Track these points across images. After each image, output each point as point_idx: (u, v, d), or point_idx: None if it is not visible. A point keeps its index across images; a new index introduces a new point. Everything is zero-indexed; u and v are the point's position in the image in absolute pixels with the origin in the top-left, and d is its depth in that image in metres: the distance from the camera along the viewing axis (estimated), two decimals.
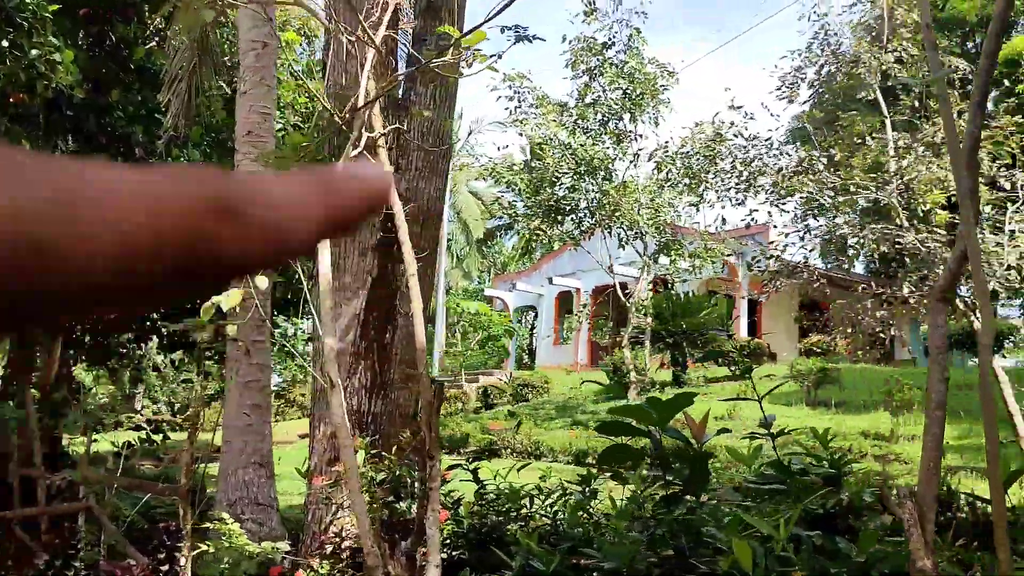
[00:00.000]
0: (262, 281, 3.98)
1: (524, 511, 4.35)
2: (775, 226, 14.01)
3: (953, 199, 12.37)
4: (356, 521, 3.31)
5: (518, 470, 4.94)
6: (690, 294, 21.58)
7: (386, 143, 4.16)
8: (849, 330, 13.41)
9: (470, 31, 3.14)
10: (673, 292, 20.74)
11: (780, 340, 28.50)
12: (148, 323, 11.56)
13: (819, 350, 19.76)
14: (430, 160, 5.71)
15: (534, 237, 18.03)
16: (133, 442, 9.76)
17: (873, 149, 13.63)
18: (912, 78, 11.80)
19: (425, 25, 5.80)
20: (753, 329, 28.79)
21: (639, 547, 3.07)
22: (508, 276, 35.45)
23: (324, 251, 3.48)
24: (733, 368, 22.18)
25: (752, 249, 23.18)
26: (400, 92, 5.92)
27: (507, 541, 4.52)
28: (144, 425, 10.16)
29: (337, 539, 4.96)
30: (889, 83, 13.69)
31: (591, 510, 4.40)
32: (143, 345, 11.37)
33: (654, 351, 18.94)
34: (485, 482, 4.91)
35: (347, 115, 3.60)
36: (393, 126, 4.31)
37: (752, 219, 12.12)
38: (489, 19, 3.06)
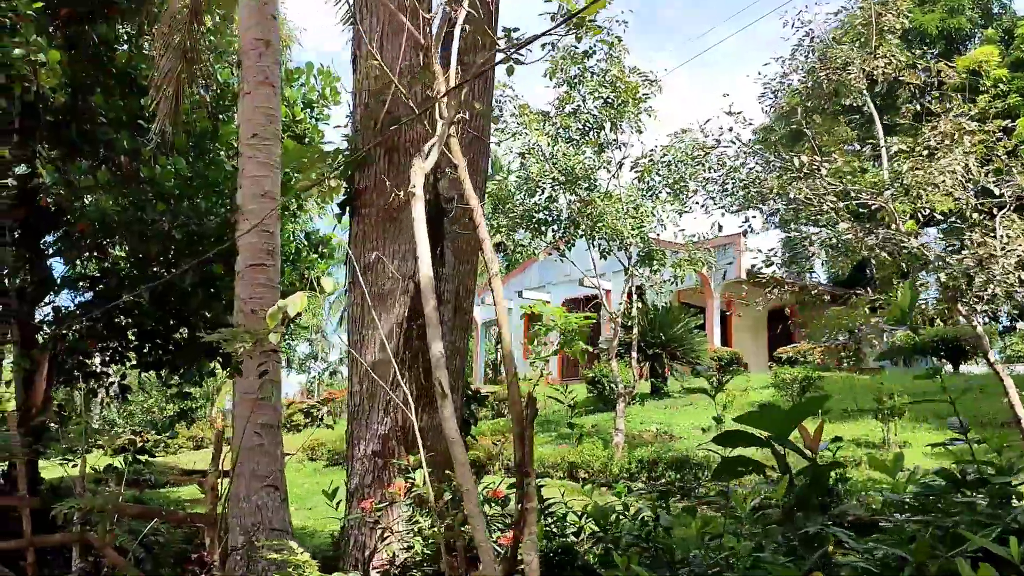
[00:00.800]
0: (328, 283, 3.59)
1: (611, 532, 3.99)
2: (756, 232, 13.89)
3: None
4: (479, 550, 2.94)
5: (587, 486, 4.59)
6: (667, 305, 21.47)
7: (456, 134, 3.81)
8: (842, 337, 13.31)
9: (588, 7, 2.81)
10: (651, 303, 20.60)
11: (749, 350, 28.61)
12: (123, 342, 10.97)
13: (803, 358, 19.75)
14: (470, 157, 5.36)
15: (518, 249, 17.65)
16: (117, 465, 9.19)
17: (864, 154, 13.63)
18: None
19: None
20: (724, 339, 28.84)
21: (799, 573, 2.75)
22: (476, 291, 35.06)
23: (424, 250, 3.11)
24: (711, 379, 22.15)
25: (724, 259, 23.18)
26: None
27: (588, 565, 4.18)
28: (129, 447, 9.59)
29: (389, 566, 4.55)
30: (877, 88, 13.71)
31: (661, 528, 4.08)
32: (124, 363, 10.74)
33: (638, 362, 18.72)
34: (550, 501, 4.56)
35: (437, 96, 3.24)
36: (458, 115, 3.97)
37: (748, 227, 11.97)
38: None
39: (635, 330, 16.76)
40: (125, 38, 10.35)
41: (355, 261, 5.26)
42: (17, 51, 7.62)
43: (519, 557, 3.44)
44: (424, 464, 3.98)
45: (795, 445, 3.61)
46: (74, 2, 8.90)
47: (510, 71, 4.41)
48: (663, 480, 12.76)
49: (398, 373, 4.95)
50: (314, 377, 45.23)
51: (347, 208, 5.47)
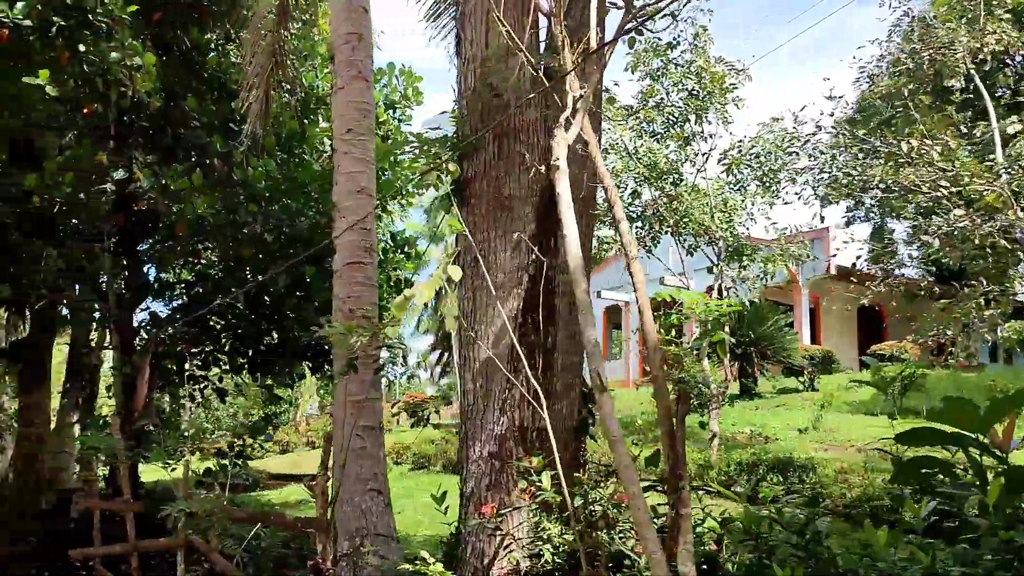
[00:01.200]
0: (456, 272, 3.33)
1: (764, 540, 3.63)
2: (859, 221, 13.24)
3: None
4: (651, 562, 2.63)
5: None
6: (756, 303, 20.79)
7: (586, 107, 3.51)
8: (953, 332, 12.60)
9: None
10: (739, 301, 19.96)
11: (838, 348, 27.58)
12: (217, 345, 11.00)
13: (899, 356, 18.88)
14: (581, 140, 5.05)
15: (603, 246, 17.32)
16: (213, 468, 9.17)
17: (974, 137, 12.87)
18: None
19: None
20: (813, 337, 27.90)
21: None
22: None
23: (572, 230, 2.82)
24: (801, 379, 21.37)
25: (813, 253, 22.36)
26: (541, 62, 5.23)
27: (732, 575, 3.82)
28: (227, 450, 9.56)
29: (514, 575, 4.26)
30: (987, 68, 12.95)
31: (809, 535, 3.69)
32: (219, 367, 10.78)
33: (729, 362, 18.13)
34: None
35: (578, 61, 2.95)
36: (584, 89, 3.67)
37: (854, 216, 11.38)
38: None
39: (726, 328, 16.19)
40: (214, 43, 10.39)
41: (465, 253, 5.00)
42: (113, 55, 7.63)
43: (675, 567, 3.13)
44: (560, 465, 3.68)
45: (983, 444, 3.19)
46: (166, 6, 8.91)
47: (631, 43, 4.11)
48: (765, 484, 12.23)
49: (524, 366, 4.67)
50: (392, 380, 45.47)
51: (454, 198, 5.23)
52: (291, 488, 18.39)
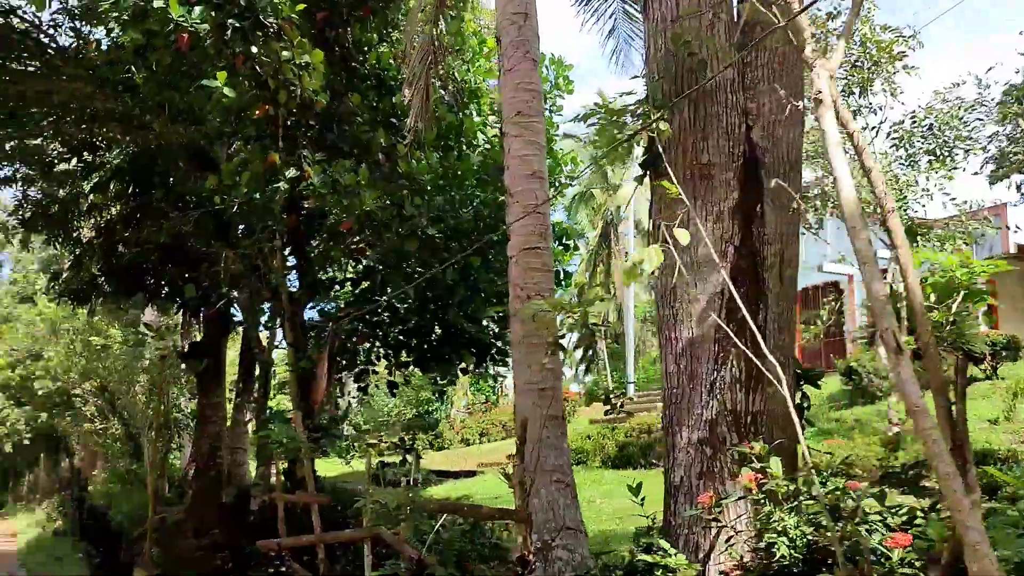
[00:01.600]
0: (683, 235, 3.02)
1: None
2: None
3: None
4: (976, 557, 2.25)
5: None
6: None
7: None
8: None
9: None
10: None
11: (1020, 333, 25.41)
12: (387, 339, 11.10)
13: None
14: (782, 102, 4.65)
15: None
16: (391, 461, 9.26)
17: None
18: None
19: None
20: (990, 322, 25.84)
21: None
22: None
23: (843, 171, 2.46)
24: (983, 366, 19.76)
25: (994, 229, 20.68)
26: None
27: None
28: (401, 445, 9.64)
29: (741, 572, 3.90)
30: None
31: None
32: (390, 360, 10.90)
33: None
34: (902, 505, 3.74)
35: None
36: (848, 13, 3.27)
37: None
38: None
39: (903, 313, 15.12)
40: (374, 40, 10.49)
41: (662, 227, 4.68)
42: (285, 54, 7.75)
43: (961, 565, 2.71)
44: (807, 453, 3.30)
45: None
46: (331, 4, 9.01)
47: None
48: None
49: (722, 350, 4.33)
50: None
51: (648, 169, 4.91)
52: (450, 484, 18.58)
